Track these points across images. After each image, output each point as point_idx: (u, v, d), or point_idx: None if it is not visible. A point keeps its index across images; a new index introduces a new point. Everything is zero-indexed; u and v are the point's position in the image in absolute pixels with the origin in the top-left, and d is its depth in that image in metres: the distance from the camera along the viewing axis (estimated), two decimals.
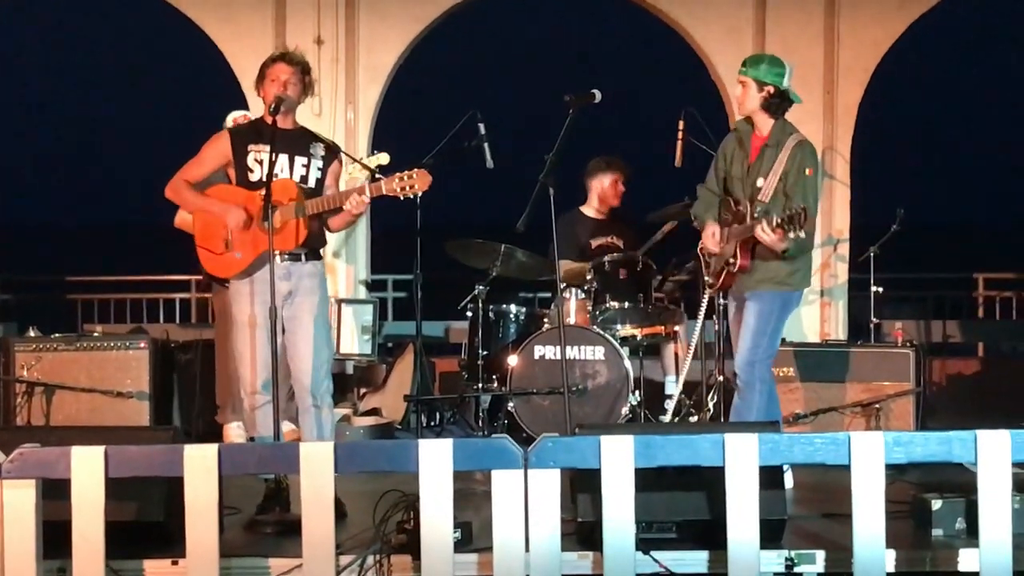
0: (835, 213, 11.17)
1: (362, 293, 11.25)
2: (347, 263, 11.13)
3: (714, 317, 7.56)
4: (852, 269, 11.19)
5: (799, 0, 11.11)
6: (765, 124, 7.15)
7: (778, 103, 7.13)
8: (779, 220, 6.72)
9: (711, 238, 7.26)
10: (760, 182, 7.04)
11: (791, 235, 6.70)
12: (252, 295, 6.61)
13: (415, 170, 6.54)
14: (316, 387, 6.65)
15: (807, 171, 7.01)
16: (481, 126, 8.59)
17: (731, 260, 7.11)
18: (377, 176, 6.61)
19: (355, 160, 7.85)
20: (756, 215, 6.97)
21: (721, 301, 7.50)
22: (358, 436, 8.65)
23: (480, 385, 8.68)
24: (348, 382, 9.81)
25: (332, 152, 6.88)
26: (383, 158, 7.60)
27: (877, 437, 4.65)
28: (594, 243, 9.36)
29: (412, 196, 6.63)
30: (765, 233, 6.82)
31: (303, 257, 6.67)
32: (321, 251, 6.86)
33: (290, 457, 4.66)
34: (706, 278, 7.42)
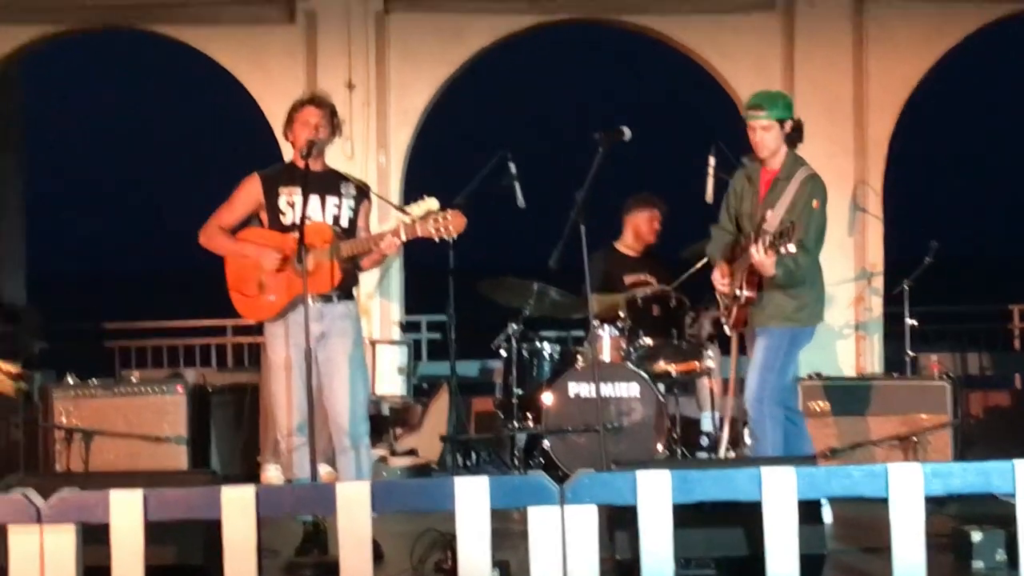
0: (868, 246, 11.14)
1: (396, 334, 11.27)
2: (381, 305, 11.15)
3: (746, 353, 7.55)
4: (886, 303, 11.14)
5: (827, 35, 11.11)
6: (777, 158, 7.15)
7: (798, 134, 7.14)
8: (770, 239, 6.71)
9: (718, 278, 7.27)
10: (768, 214, 7.03)
11: (781, 250, 6.67)
12: (286, 337, 6.63)
13: (449, 211, 6.53)
14: (353, 428, 6.65)
15: (814, 203, 6.99)
16: (511, 165, 8.61)
17: (737, 293, 7.10)
18: (410, 219, 6.60)
19: (399, 209, 7.75)
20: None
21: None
22: (395, 477, 8.65)
23: (515, 424, 8.68)
24: (384, 423, 9.82)
25: (362, 191, 6.91)
26: (432, 203, 7.52)
27: (915, 468, 4.62)
28: (627, 279, 9.37)
29: (447, 238, 6.61)
30: (757, 253, 6.80)
31: (335, 298, 6.69)
32: (354, 291, 6.88)
33: (327, 497, 4.66)
34: (724, 318, 7.43)
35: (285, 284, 6.61)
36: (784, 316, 7.05)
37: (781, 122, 7.07)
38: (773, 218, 6.95)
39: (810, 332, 7.23)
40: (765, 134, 7.11)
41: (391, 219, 9.70)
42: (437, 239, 6.56)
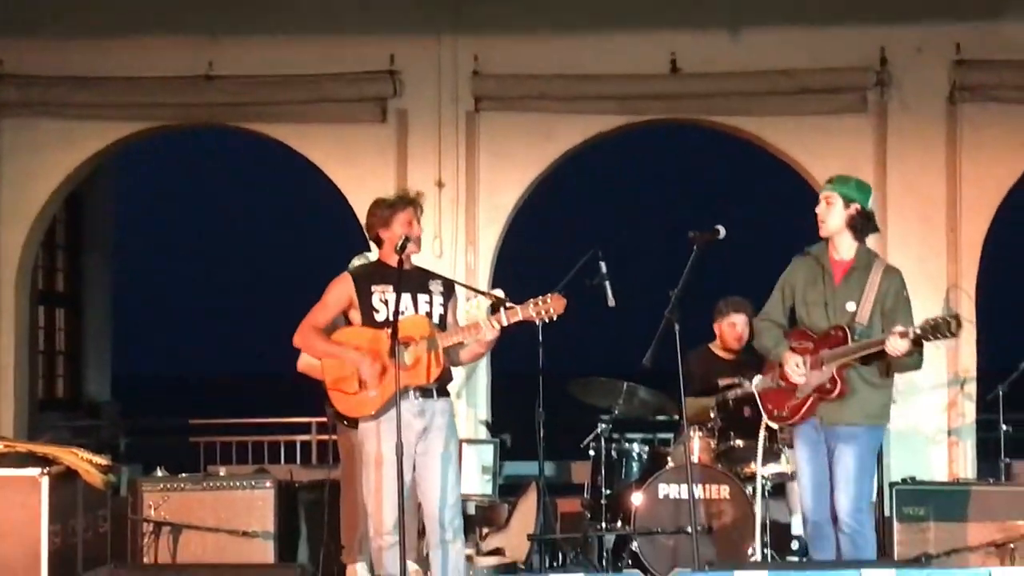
0: (961, 352, 10.94)
1: (482, 433, 11.22)
2: (468, 404, 11.12)
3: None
4: (980, 408, 10.95)
5: (920, 136, 11.00)
6: (848, 247, 7.06)
7: (863, 224, 7.04)
8: (920, 330, 6.58)
9: (795, 369, 7.06)
10: (851, 306, 6.96)
11: (939, 343, 6.58)
12: (381, 433, 6.61)
13: (549, 295, 6.57)
14: (448, 521, 6.65)
15: (904, 293, 6.94)
16: (602, 264, 8.60)
17: (828, 386, 6.95)
18: (509, 305, 6.64)
19: (478, 292, 7.88)
20: (858, 336, 6.87)
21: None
22: None
23: (603, 524, 8.60)
24: (470, 522, 9.75)
25: (450, 288, 6.98)
26: (498, 292, 7.61)
27: (1017, 573, 4.55)
28: (721, 382, 9.28)
29: (548, 320, 6.62)
30: (899, 345, 6.65)
31: (435, 393, 6.71)
32: (448, 388, 6.88)
33: None
34: (775, 411, 7.22)
35: (386, 379, 6.60)
36: (868, 414, 6.97)
37: (847, 201, 6.99)
38: (863, 311, 6.91)
39: (884, 430, 7.16)
40: (826, 207, 7.07)
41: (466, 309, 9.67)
42: (538, 322, 6.59)
